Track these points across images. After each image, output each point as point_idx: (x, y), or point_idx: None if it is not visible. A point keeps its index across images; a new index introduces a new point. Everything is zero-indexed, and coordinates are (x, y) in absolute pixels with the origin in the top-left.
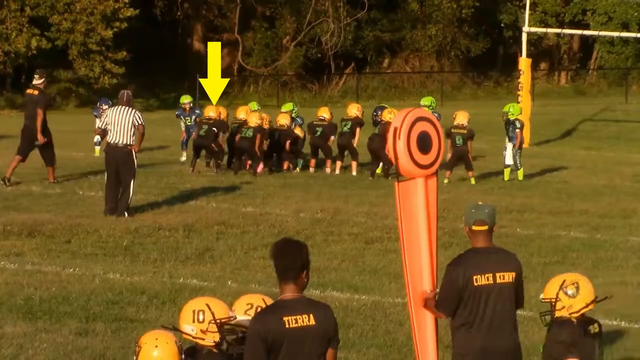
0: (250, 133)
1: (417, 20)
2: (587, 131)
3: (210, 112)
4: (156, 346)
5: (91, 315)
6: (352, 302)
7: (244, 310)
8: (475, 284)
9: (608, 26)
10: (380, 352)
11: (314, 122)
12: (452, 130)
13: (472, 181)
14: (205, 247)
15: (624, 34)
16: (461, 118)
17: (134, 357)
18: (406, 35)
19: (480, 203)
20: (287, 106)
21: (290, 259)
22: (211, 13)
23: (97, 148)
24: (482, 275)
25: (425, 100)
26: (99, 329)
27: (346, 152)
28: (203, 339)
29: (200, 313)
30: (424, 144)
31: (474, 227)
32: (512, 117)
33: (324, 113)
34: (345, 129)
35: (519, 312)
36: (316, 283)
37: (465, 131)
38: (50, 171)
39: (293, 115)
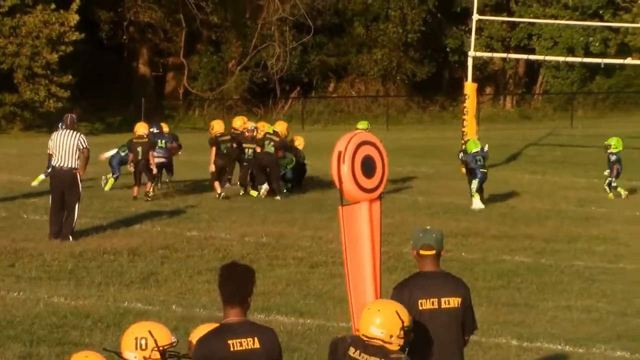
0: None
1: (363, 45)
2: (532, 156)
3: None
4: None
5: (35, 339)
6: (297, 326)
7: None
8: (420, 308)
9: (554, 51)
10: None
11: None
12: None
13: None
14: (150, 271)
15: (570, 59)
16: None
17: None
18: (352, 59)
19: (428, 227)
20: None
21: (239, 282)
22: (157, 37)
23: (41, 176)
24: (427, 300)
25: (362, 124)
26: (43, 353)
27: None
28: None
29: (143, 340)
30: (368, 167)
31: (422, 252)
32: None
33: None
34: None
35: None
36: (261, 307)
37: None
38: None
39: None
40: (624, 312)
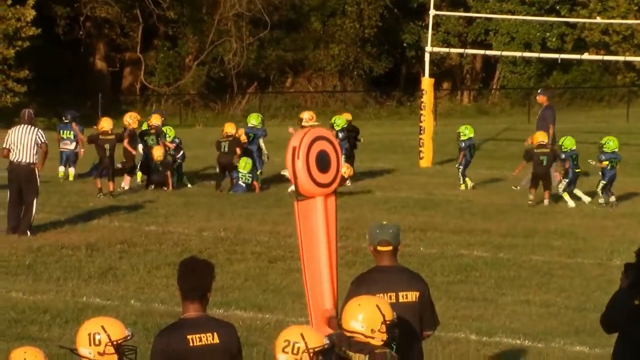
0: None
1: (320, 40)
2: (489, 150)
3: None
4: (25, 358)
5: None
6: (256, 321)
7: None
8: None
9: (510, 46)
10: None
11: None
12: (535, 151)
13: (546, 202)
14: (108, 266)
15: (526, 54)
16: (542, 137)
17: None
18: (309, 54)
19: (384, 223)
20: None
21: (198, 277)
22: (113, 32)
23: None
24: (385, 294)
25: (340, 119)
26: (1, 348)
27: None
28: None
29: (96, 335)
30: (323, 162)
31: (379, 248)
32: (464, 138)
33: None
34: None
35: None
36: (219, 302)
37: (548, 150)
38: None
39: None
40: (582, 306)
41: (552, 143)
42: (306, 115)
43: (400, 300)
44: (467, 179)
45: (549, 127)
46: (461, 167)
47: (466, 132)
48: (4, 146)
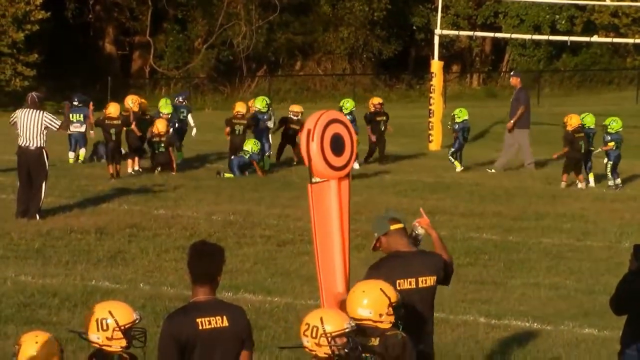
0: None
1: (329, 23)
2: (499, 133)
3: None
4: (36, 342)
5: (2, 317)
6: (265, 304)
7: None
8: (398, 288)
9: (520, 29)
10: (293, 354)
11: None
12: (576, 136)
13: (579, 185)
14: (117, 249)
15: (536, 37)
16: (578, 120)
17: (14, 358)
18: (318, 37)
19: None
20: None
21: (209, 261)
22: (123, 15)
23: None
24: (405, 280)
25: (348, 102)
26: (10, 332)
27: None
28: (110, 346)
29: (104, 321)
30: (337, 146)
31: (392, 227)
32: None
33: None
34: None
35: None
36: (228, 285)
37: (582, 134)
38: None
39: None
40: (591, 289)
41: (513, 123)
42: (295, 108)
43: (420, 285)
44: (456, 161)
45: (519, 107)
46: (452, 149)
47: (460, 114)
48: (10, 122)
